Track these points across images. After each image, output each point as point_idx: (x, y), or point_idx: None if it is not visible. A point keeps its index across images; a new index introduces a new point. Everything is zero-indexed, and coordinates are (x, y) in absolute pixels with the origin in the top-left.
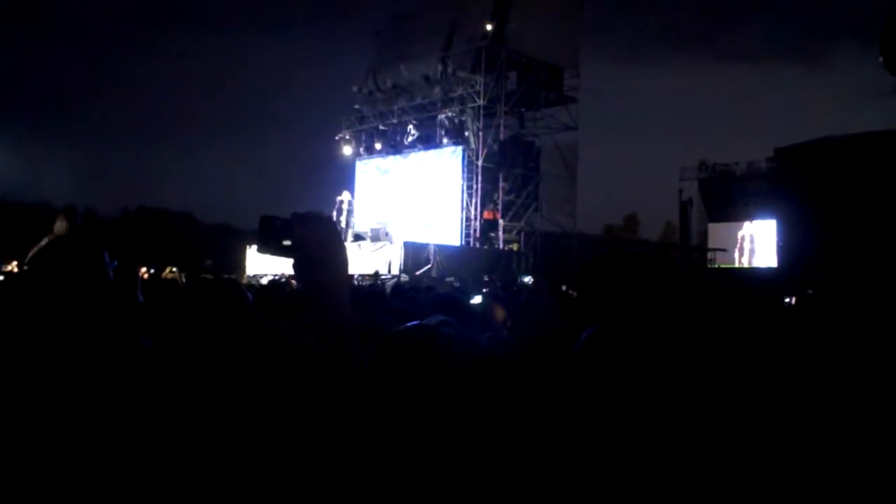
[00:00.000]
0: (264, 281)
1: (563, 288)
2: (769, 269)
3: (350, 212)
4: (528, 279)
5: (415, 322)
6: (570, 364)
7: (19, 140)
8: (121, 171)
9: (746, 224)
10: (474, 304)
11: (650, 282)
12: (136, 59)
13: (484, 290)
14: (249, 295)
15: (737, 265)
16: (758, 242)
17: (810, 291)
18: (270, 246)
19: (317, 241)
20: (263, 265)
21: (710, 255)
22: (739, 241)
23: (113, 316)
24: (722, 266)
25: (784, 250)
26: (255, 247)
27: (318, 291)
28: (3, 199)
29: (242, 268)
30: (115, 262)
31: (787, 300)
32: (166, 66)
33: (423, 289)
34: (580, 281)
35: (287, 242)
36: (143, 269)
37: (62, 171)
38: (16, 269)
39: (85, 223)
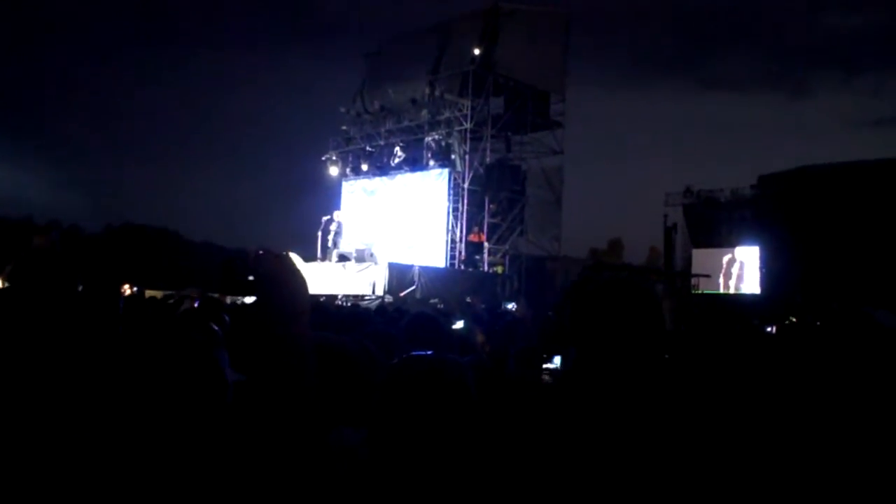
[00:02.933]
0: (248, 300)
1: (550, 314)
2: (753, 296)
3: (338, 233)
4: (511, 306)
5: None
6: (552, 388)
7: (3, 155)
8: (105, 187)
9: (731, 250)
10: (457, 329)
11: (623, 308)
12: (122, 77)
13: (463, 313)
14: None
15: (721, 291)
16: (742, 269)
17: (793, 319)
18: (235, 287)
19: (278, 280)
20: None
21: (693, 280)
22: (724, 266)
23: (85, 331)
24: (706, 292)
25: (767, 277)
26: (224, 259)
27: (280, 325)
28: None
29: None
30: (80, 285)
31: (769, 328)
32: (153, 84)
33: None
34: (558, 306)
35: (251, 278)
36: (126, 287)
37: (46, 187)
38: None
39: (66, 239)
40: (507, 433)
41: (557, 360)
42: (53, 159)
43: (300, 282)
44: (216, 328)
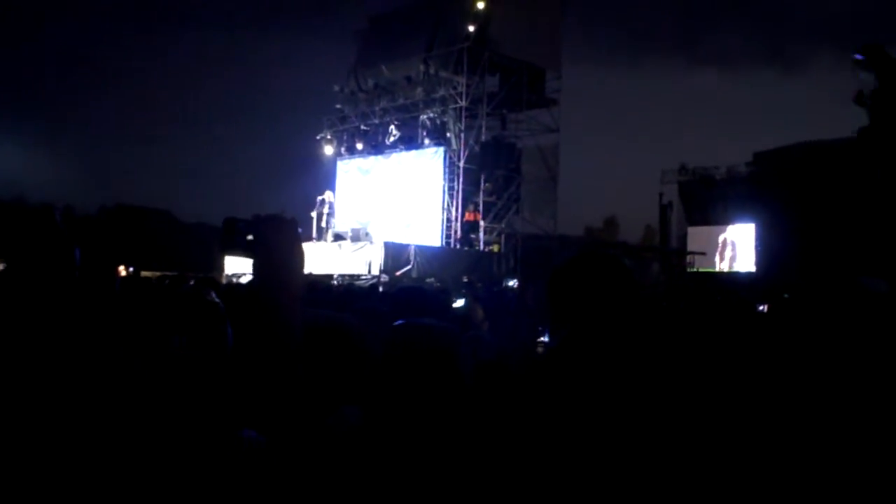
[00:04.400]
0: (244, 280)
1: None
2: (748, 274)
3: (331, 213)
4: (512, 283)
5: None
6: (540, 367)
7: None
8: (99, 168)
9: (727, 228)
10: (457, 307)
11: (591, 278)
12: (114, 56)
13: (463, 291)
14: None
15: (717, 269)
16: (738, 246)
17: (786, 296)
18: (233, 246)
19: (277, 242)
20: (242, 265)
21: (689, 258)
22: (720, 244)
23: (84, 312)
24: (701, 270)
25: (763, 254)
26: (225, 218)
27: (273, 289)
28: None
29: (221, 267)
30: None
31: (760, 307)
32: (145, 63)
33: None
34: (548, 287)
35: (250, 238)
36: (122, 268)
37: (38, 168)
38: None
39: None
40: (502, 405)
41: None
42: (45, 139)
43: (298, 249)
44: (217, 300)
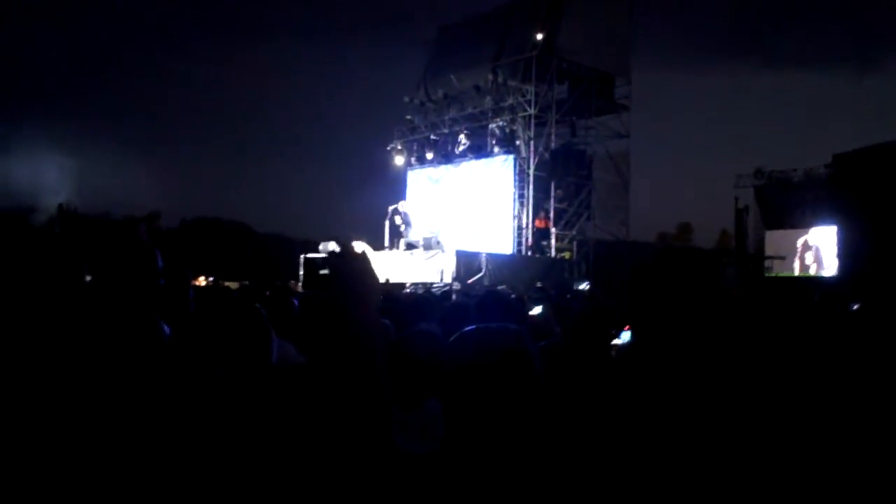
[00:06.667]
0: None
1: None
2: (829, 278)
3: (408, 223)
4: (584, 286)
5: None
6: (622, 366)
7: (84, 152)
8: (178, 182)
9: (806, 231)
10: (534, 314)
11: (680, 282)
12: (191, 74)
13: (538, 298)
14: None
15: (797, 273)
16: (818, 251)
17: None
18: (313, 283)
19: (348, 276)
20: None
21: (767, 263)
22: (799, 248)
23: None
24: (780, 274)
25: (845, 257)
26: (304, 257)
27: (348, 315)
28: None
29: (297, 276)
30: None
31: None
32: (219, 78)
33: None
34: (629, 286)
35: (324, 272)
36: (202, 278)
37: (123, 183)
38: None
39: (146, 234)
40: (575, 405)
41: (626, 336)
42: (129, 155)
43: (372, 278)
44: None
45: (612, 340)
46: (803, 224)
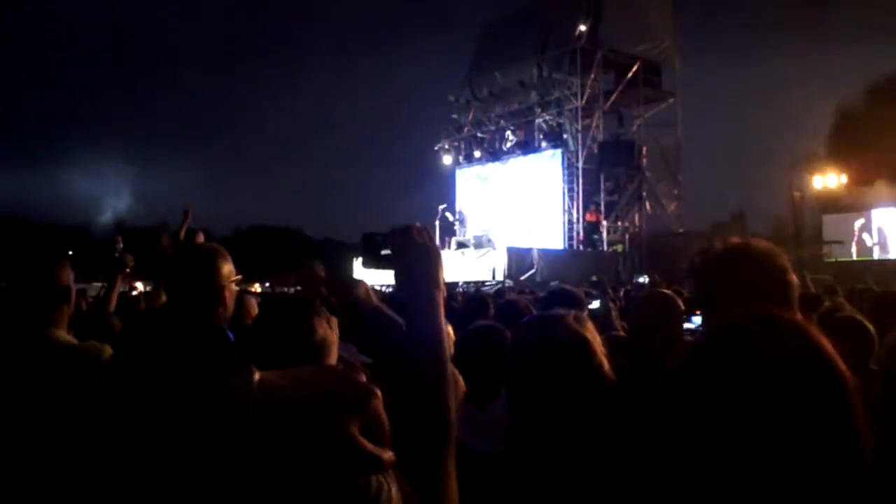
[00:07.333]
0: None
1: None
2: (891, 260)
3: (462, 222)
4: (643, 279)
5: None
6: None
7: (139, 165)
8: (231, 190)
9: (866, 213)
10: (593, 308)
11: (752, 270)
12: (235, 86)
13: (593, 292)
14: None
15: (855, 258)
16: (882, 233)
17: None
18: (373, 260)
19: (411, 252)
20: (370, 276)
21: (825, 248)
22: (857, 232)
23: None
24: (839, 259)
25: None
26: (360, 260)
27: (412, 298)
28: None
29: (352, 279)
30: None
31: None
32: (271, 93)
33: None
34: (700, 274)
35: (386, 252)
36: (257, 285)
37: (177, 194)
38: (143, 289)
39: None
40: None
41: (697, 320)
42: (184, 166)
43: (434, 252)
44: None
45: (684, 325)
46: (861, 206)
